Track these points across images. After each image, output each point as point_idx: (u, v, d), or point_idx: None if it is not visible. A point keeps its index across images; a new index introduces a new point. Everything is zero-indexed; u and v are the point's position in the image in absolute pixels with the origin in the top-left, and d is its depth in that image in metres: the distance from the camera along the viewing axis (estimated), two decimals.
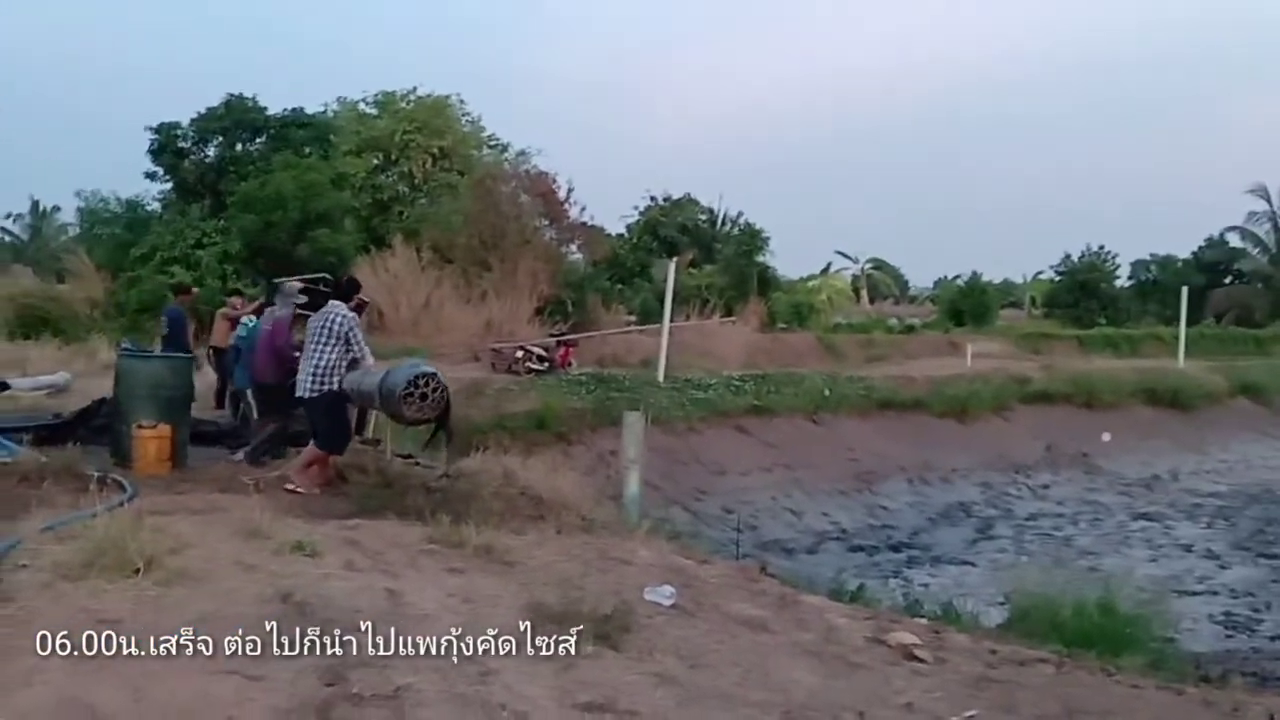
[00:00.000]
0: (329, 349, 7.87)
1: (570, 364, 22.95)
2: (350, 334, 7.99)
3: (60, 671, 3.87)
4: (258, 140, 28.00)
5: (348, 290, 8.54)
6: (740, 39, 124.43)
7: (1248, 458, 23.18)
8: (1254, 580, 13.79)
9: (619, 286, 33.41)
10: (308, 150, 27.12)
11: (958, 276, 58.39)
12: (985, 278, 51.89)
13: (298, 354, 8.39)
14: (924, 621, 5.61)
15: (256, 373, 9.21)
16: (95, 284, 25.35)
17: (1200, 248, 51.33)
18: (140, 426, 8.57)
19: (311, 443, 7.94)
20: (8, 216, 58.42)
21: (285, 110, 28.56)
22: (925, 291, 70.55)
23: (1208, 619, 11.83)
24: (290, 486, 7.62)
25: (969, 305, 42.63)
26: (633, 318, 31.44)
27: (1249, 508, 18.99)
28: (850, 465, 19.03)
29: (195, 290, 12.53)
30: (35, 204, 57.48)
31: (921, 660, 4.59)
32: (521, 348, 22.55)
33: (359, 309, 8.60)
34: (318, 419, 7.96)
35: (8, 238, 59.15)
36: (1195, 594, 13.09)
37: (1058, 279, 49.53)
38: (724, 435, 18.58)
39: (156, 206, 28.52)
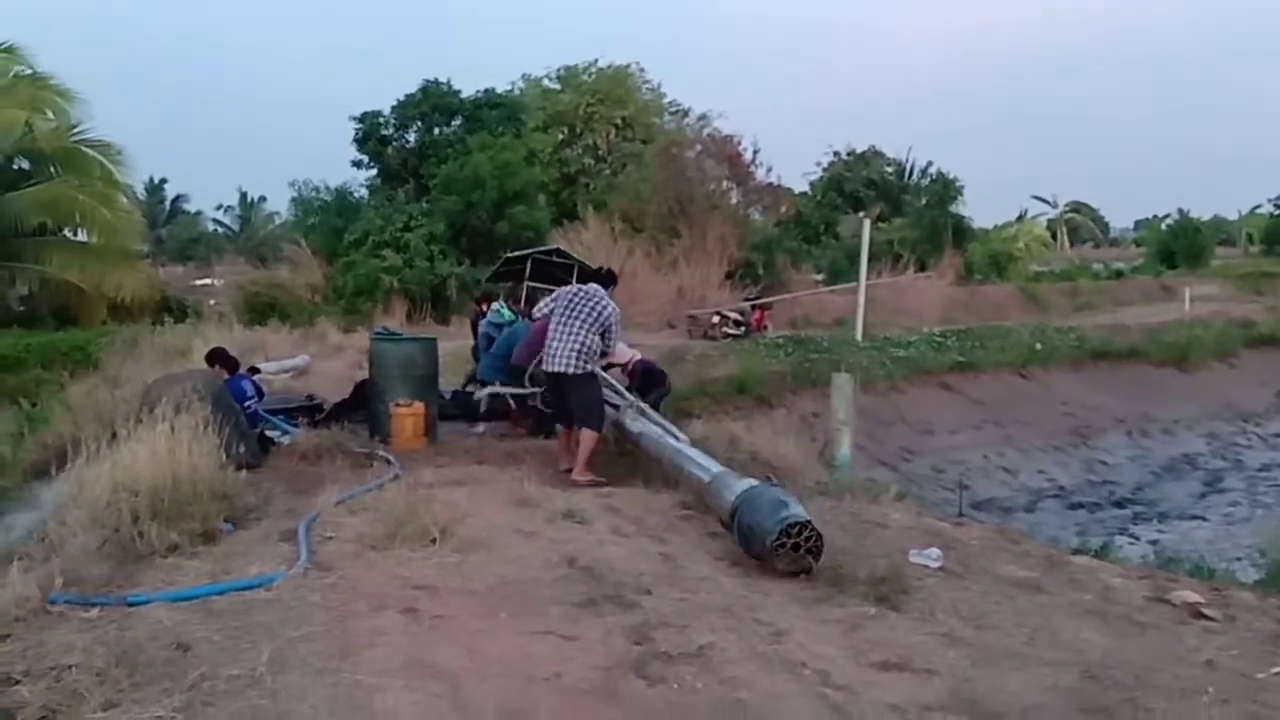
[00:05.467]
0: (592, 332, 7.96)
1: (766, 327, 23.03)
2: (614, 327, 8.10)
3: (397, 633, 4.28)
4: (453, 123, 29.00)
5: (607, 280, 8.60)
6: None
7: None
8: None
9: (806, 246, 33.13)
10: (500, 130, 27.90)
11: (1165, 216, 55.14)
12: (1195, 215, 48.83)
13: None
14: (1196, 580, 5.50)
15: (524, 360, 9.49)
16: (314, 270, 26.82)
17: None
18: (397, 404, 9.18)
19: (583, 434, 7.89)
20: (219, 208, 62.60)
21: (477, 92, 29.49)
22: (1128, 233, 66.96)
23: None
24: (579, 481, 7.68)
25: (1181, 246, 40.23)
26: (820, 277, 31.17)
27: None
28: (1064, 420, 18.41)
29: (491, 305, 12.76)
30: (244, 195, 61.25)
31: (1211, 619, 4.54)
32: (717, 313, 22.76)
33: None
34: (576, 396, 8.02)
35: (220, 228, 63.35)
36: None
37: (1276, 213, 46.09)
38: (929, 394, 18.26)
39: (364, 193, 30.02)
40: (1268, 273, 35.41)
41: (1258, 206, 55.61)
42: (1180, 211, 50.01)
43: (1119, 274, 38.06)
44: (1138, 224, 66.74)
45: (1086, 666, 4.00)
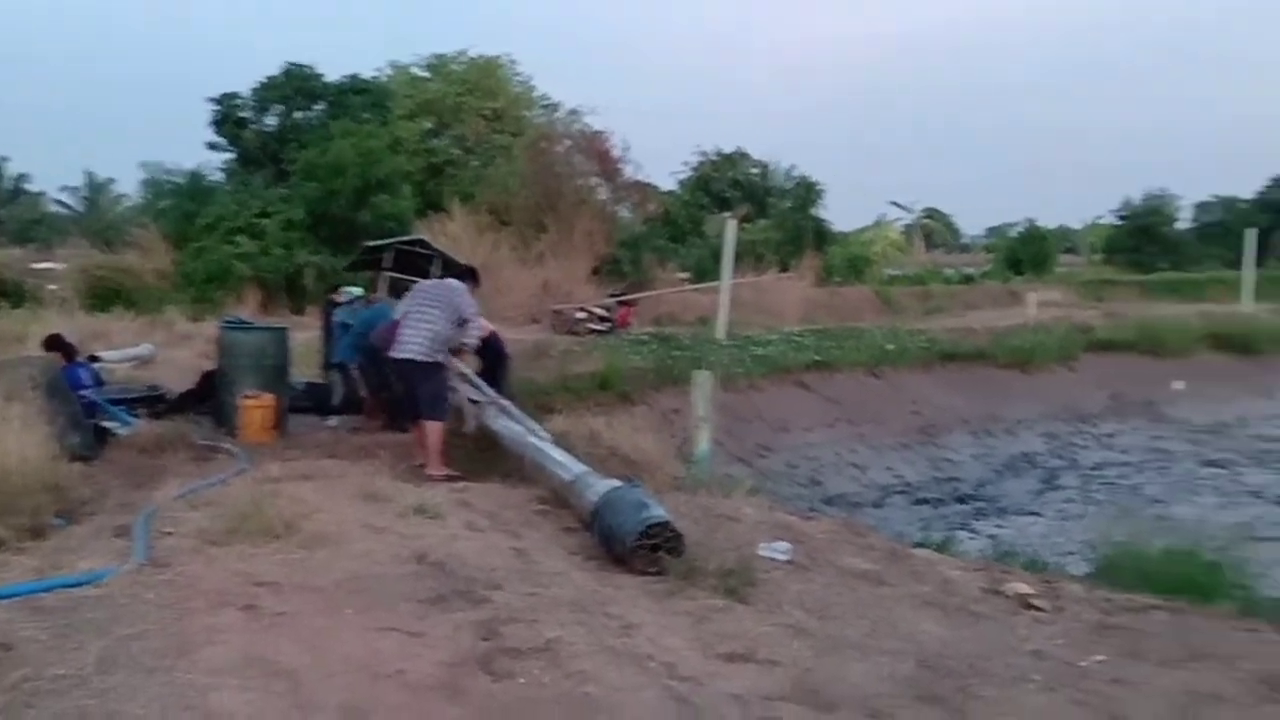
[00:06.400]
0: (446, 322, 7.90)
1: (630, 324, 23.13)
2: (471, 319, 8.04)
3: (236, 631, 4.14)
4: (316, 108, 28.32)
5: (469, 275, 8.55)
6: None
7: None
8: None
9: (673, 245, 33.44)
10: (365, 116, 27.36)
11: (1013, 224, 57.59)
12: (1042, 224, 51.19)
13: None
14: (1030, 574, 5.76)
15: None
16: (163, 255, 25.75)
17: (1266, 187, 50.19)
18: (246, 396, 8.89)
19: (428, 426, 7.83)
20: (63, 189, 59.42)
21: (342, 77, 28.89)
22: (979, 240, 69.68)
23: None
24: (434, 476, 7.58)
25: (1028, 253, 42.08)
26: (686, 275, 31.51)
27: None
28: (913, 419, 19.01)
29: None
30: (90, 176, 58.30)
31: (1040, 609, 4.76)
32: (582, 308, 22.76)
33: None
34: (422, 384, 7.93)
35: (64, 210, 60.11)
36: (1269, 540, 13.04)
37: (1118, 224, 48.71)
38: (786, 392, 18.61)
39: (219, 177, 29.03)
40: (1108, 280, 37.27)
41: (1100, 217, 58.61)
42: (1028, 220, 52.41)
43: (969, 279, 39.47)
44: (990, 231, 69.64)
45: (923, 656, 4.15)
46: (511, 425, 8.07)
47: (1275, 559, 11.90)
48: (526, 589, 4.83)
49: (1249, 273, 28.40)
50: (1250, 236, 28.58)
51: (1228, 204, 51.05)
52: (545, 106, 35.02)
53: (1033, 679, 3.99)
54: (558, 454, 7.14)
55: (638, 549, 5.22)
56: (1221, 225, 47.44)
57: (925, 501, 15.78)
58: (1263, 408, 22.07)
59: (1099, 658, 4.21)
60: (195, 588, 4.65)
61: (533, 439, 7.67)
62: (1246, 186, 53.15)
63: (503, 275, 24.95)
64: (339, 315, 11.59)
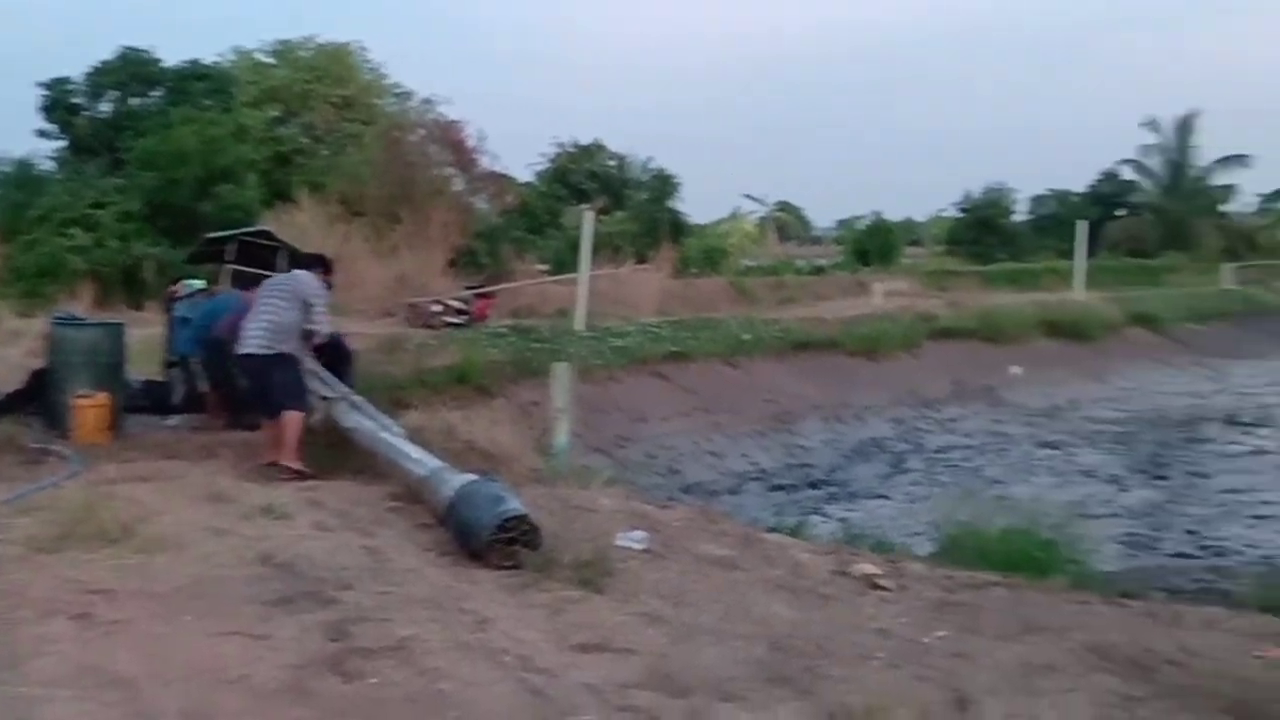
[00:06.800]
0: (288, 312, 7.63)
1: (488, 316, 22.88)
2: (317, 307, 7.76)
3: (68, 641, 3.95)
4: (154, 94, 27.10)
5: (317, 264, 8.27)
6: None
7: (1143, 385, 24.15)
8: (1152, 501, 14.55)
9: (531, 236, 33.28)
10: (207, 103, 26.30)
11: (861, 217, 59.40)
12: (888, 217, 52.96)
13: None
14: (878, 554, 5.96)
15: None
16: None
17: (1096, 181, 52.72)
18: (79, 396, 8.44)
19: (286, 417, 7.50)
20: None
21: (182, 62, 27.67)
22: (829, 232, 71.57)
23: (1112, 540, 12.51)
24: (287, 467, 7.32)
25: (874, 245, 43.43)
26: (545, 267, 31.39)
27: (1145, 432, 19.92)
28: (768, 407, 19.40)
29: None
30: None
31: (886, 589, 4.94)
32: (438, 301, 22.41)
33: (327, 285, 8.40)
34: (274, 377, 7.62)
35: None
36: (1099, 517, 13.81)
37: (959, 216, 50.60)
38: (644, 382, 18.74)
39: (51, 166, 27.50)
40: (950, 270, 38.63)
41: (943, 210, 60.77)
42: (875, 213, 54.10)
43: (820, 270, 40.44)
44: (840, 224, 71.53)
45: (774, 638, 4.24)
46: (363, 421, 7.89)
47: (1106, 535, 12.69)
48: (378, 588, 4.74)
49: (1081, 263, 29.82)
50: (1081, 228, 29.93)
51: (1061, 197, 53.44)
52: (398, 95, 34.29)
53: (877, 656, 4.13)
54: (411, 449, 7.02)
55: (493, 543, 5.17)
56: (1055, 218, 49.46)
57: (780, 488, 16.11)
58: (1094, 391, 23.32)
59: (940, 633, 4.38)
60: (23, 596, 4.41)
61: (385, 435, 7.52)
62: (1078, 180, 55.96)
63: (355, 268, 24.31)
64: (179, 309, 11.09)
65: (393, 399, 10.83)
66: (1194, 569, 10.77)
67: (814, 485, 16.35)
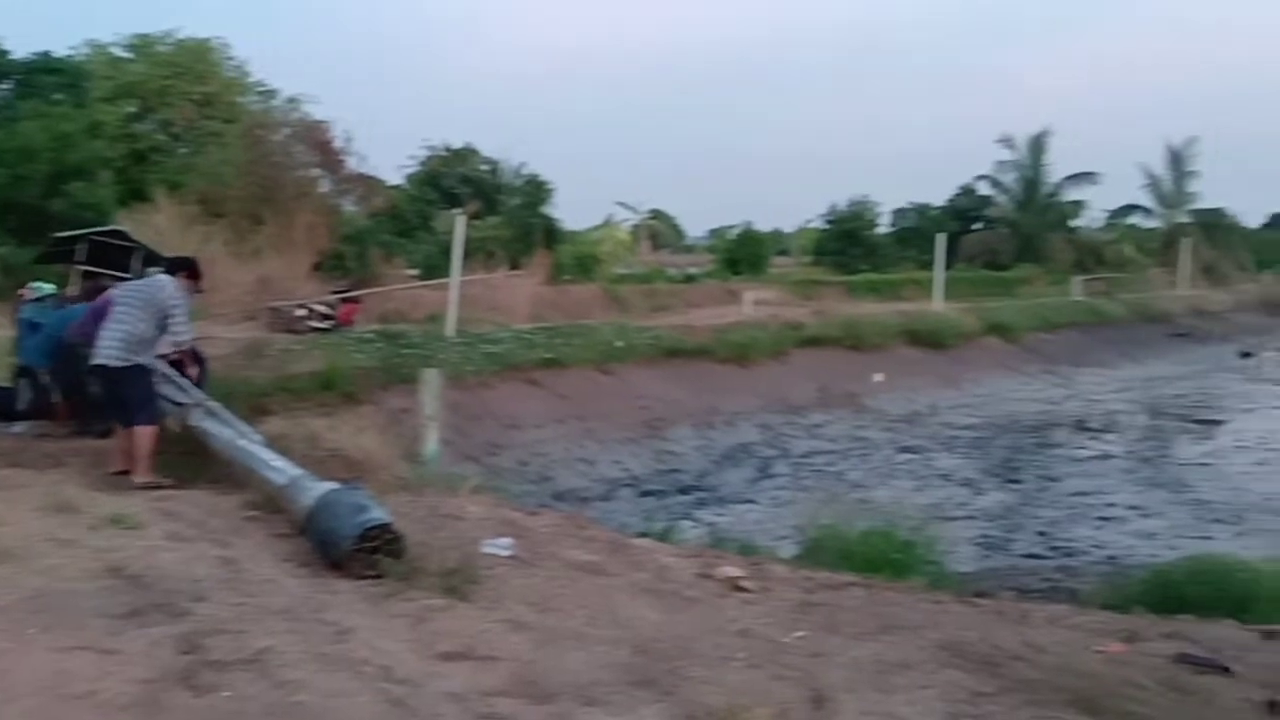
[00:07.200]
0: (143, 321, 7.34)
1: (354, 321, 22.40)
2: (175, 315, 7.43)
3: None
4: (2, 87, 25.72)
5: (178, 267, 7.90)
6: None
7: (997, 392, 25.20)
8: (1005, 504, 15.17)
9: (401, 240, 32.73)
10: (58, 98, 25.10)
11: (732, 227, 60.35)
12: (758, 227, 54.00)
13: None
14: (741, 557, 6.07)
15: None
16: None
17: (954, 196, 54.72)
18: None
19: (138, 432, 7.27)
20: None
21: (31, 54, 26.36)
22: (701, 241, 72.46)
23: (968, 541, 13.00)
24: (141, 482, 7.07)
25: (744, 254, 44.22)
26: (415, 272, 30.91)
27: (999, 438, 20.79)
28: (640, 413, 19.53)
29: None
30: None
31: (748, 590, 5.03)
32: (302, 305, 21.83)
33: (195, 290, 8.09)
34: (127, 390, 7.36)
35: None
36: (955, 519, 14.33)
37: (825, 228, 51.85)
38: (516, 389, 18.65)
39: None
40: (816, 280, 39.52)
41: (809, 221, 62.21)
42: (745, 223, 55.14)
43: (691, 278, 40.86)
44: (711, 233, 72.49)
45: (638, 641, 4.28)
46: (220, 428, 7.64)
47: (961, 536, 13.17)
48: (234, 599, 4.60)
49: (939, 274, 30.91)
50: (940, 241, 31.04)
51: (921, 210, 55.30)
52: (261, 93, 33.30)
53: (738, 657, 4.21)
54: (271, 457, 6.83)
55: (355, 553, 5.07)
56: (916, 230, 51.14)
57: (651, 493, 16.23)
58: (951, 397, 24.20)
59: (800, 633, 4.49)
60: None
61: (243, 442, 7.30)
62: (938, 194, 57.99)
63: (216, 270, 23.47)
64: (27, 313, 10.54)
65: (253, 406, 10.54)
66: (1044, 569, 11.24)
67: (684, 490, 16.51)
